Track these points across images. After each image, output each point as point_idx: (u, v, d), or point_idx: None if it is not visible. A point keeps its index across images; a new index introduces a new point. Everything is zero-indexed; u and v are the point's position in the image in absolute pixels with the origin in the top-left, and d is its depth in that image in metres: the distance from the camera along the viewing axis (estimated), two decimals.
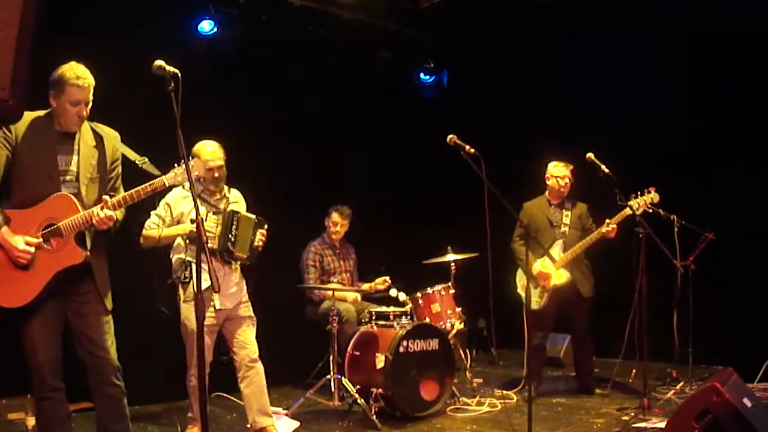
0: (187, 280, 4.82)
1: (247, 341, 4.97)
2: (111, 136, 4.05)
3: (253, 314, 5.09)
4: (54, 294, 3.78)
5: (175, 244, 4.93)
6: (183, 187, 4.70)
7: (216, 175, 4.92)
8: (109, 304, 3.97)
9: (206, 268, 4.47)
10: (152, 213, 4.89)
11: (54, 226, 3.73)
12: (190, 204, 4.78)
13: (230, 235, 4.81)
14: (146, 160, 4.00)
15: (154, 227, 4.84)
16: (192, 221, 4.70)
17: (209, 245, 4.62)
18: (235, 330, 4.97)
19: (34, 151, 3.76)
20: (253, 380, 4.92)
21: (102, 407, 4.00)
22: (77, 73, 3.76)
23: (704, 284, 6.39)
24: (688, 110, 7.34)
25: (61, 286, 3.79)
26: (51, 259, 3.73)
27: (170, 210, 4.86)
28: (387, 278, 6.89)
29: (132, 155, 4.02)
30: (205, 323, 4.56)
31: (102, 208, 3.73)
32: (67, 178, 3.83)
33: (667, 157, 7.38)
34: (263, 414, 4.91)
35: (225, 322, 4.97)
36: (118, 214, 3.86)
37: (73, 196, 3.78)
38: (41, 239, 3.71)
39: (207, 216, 4.77)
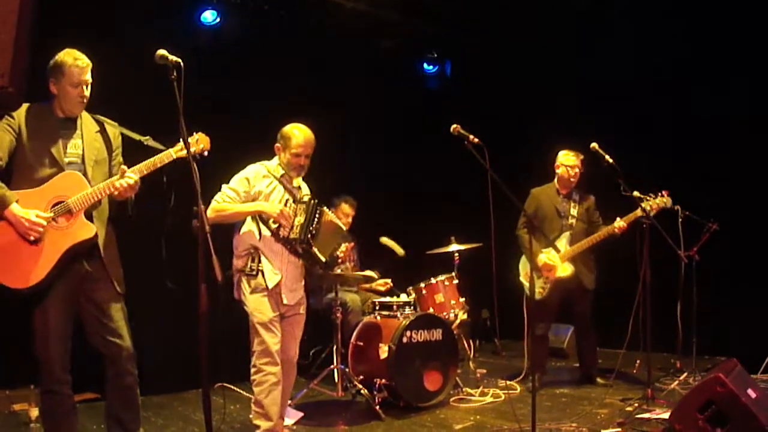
0: (254, 272, 4.49)
1: (291, 345, 4.73)
2: (112, 124, 4.11)
3: (304, 310, 4.84)
4: (70, 281, 3.80)
5: (246, 229, 4.58)
6: (266, 166, 4.65)
7: (301, 162, 4.64)
8: (121, 289, 3.99)
9: (270, 258, 4.52)
10: (226, 186, 4.57)
11: (63, 203, 3.74)
12: (271, 185, 4.61)
13: (311, 228, 4.53)
14: (149, 138, 4.03)
15: (228, 200, 4.52)
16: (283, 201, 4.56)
17: (285, 234, 4.51)
18: (285, 329, 4.66)
19: (38, 136, 3.79)
20: (284, 386, 4.69)
21: (114, 396, 4.01)
22: (75, 55, 3.82)
23: (708, 275, 6.38)
24: (690, 101, 7.31)
25: (73, 274, 3.80)
26: (61, 236, 3.73)
27: (249, 185, 4.56)
28: (388, 281, 6.88)
29: (135, 136, 4.06)
30: (274, 316, 4.53)
31: (122, 176, 3.78)
32: (72, 160, 3.86)
33: (670, 148, 7.36)
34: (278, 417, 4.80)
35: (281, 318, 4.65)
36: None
37: (80, 174, 3.82)
38: (53, 214, 3.71)
39: (287, 203, 4.57)
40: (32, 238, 3.66)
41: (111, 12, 5.99)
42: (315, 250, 4.59)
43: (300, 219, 4.53)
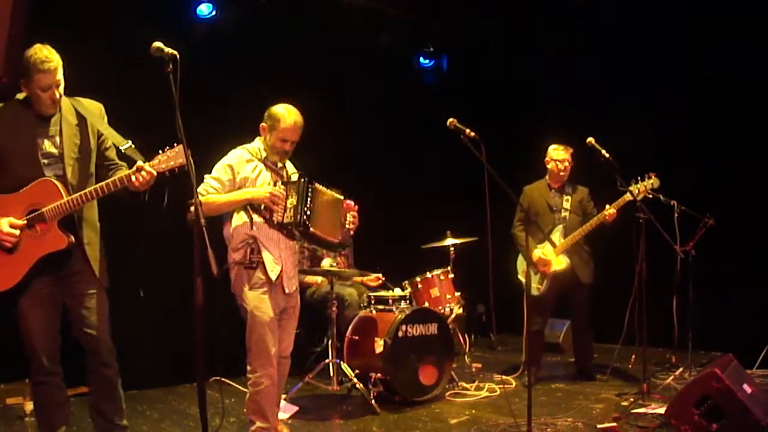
0: (254, 265, 4.30)
1: (288, 340, 4.60)
2: (93, 113, 3.96)
3: (299, 302, 4.68)
4: (49, 277, 3.79)
5: (237, 219, 4.35)
6: (247, 149, 4.44)
7: (287, 148, 4.43)
8: (105, 282, 3.95)
9: (268, 247, 4.32)
10: (208, 177, 4.35)
11: (38, 212, 3.70)
12: (257, 169, 4.39)
13: (305, 208, 4.27)
14: (130, 144, 3.82)
15: (212, 192, 4.28)
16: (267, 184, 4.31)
17: (279, 218, 4.30)
18: (282, 324, 4.52)
19: (14, 136, 3.73)
20: (280, 375, 4.61)
21: (96, 388, 3.99)
22: (41, 57, 3.62)
23: (704, 270, 6.37)
24: (688, 95, 7.31)
25: (54, 269, 3.79)
26: (34, 244, 3.71)
27: (232, 172, 4.32)
28: (380, 275, 6.86)
29: (116, 138, 3.86)
30: (275, 316, 4.37)
31: (139, 171, 3.65)
32: (50, 160, 3.79)
33: (666, 142, 7.36)
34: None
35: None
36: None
37: (57, 181, 3.73)
38: (26, 222, 3.69)
39: (277, 185, 4.36)
40: (4, 247, 3.68)
41: (106, 4, 5.95)
42: (314, 231, 4.37)
43: (292, 200, 4.30)
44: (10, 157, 3.72)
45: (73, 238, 3.78)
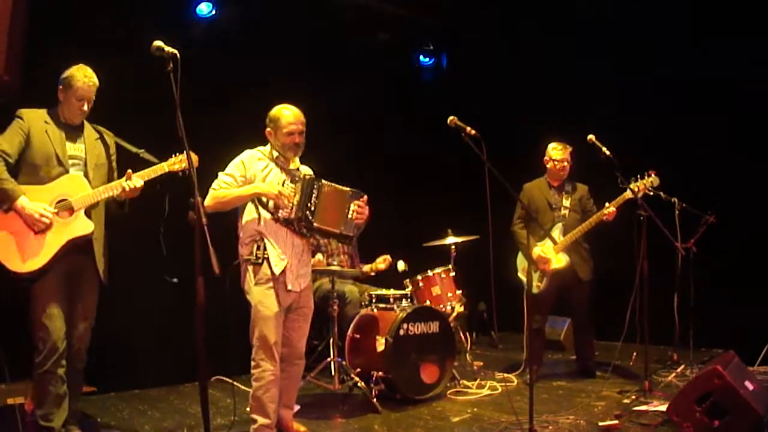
0: (260, 261, 4.39)
1: (296, 340, 4.64)
2: (108, 134, 4.53)
3: (312, 305, 4.78)
4: (64, 267, 4.15)
5: (248, 214, 4.48)
6: (259, 150, 4.58)
7: (296, 140, 4.53)
8: (105, 281, 4.38)
9: (274, 243, 4.46)
10: (222, 173, 4.48)
11: (66, 201, 4.14)
12: (267, 168, 4.52)
13: (309, 204, 4.41)
14: (144, 151, 4.47)
15: (225, 186, 4.42)
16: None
17: (284, 215, 4.40)
18: (289, 322, 4.59)
19: (45, 140, 4.19)
20: (292, 376, 4.69)
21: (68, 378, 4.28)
22: (85, 73, 4.22)
23: (705, 267, 6.37)
24: (687, 93, 7.30)
25: (70, 261, 4.17)
26: (62, 229, 4.12)
27: (244, 168, 4.47)
28: (387, 257, 6.86)
29: (131, 148, 4.46)
30: (279, 311, 4.44)
31: (129, 179, 4.21)
32: (75, 162, 4.28)
33: (667, 139, 7.35)
34: (286, 407, 4.76)
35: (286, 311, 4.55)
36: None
37: (83, 177, 4.24)
38: (57, 211, 4.11)
39: (284, 183, 4.45)
40: (38, 229, 4.02)
41: (106, 5, 5.94)
42: (319, 225, 4.46)
43: (297, 197, 4.42)
44: (41, 158, 4.18)
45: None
